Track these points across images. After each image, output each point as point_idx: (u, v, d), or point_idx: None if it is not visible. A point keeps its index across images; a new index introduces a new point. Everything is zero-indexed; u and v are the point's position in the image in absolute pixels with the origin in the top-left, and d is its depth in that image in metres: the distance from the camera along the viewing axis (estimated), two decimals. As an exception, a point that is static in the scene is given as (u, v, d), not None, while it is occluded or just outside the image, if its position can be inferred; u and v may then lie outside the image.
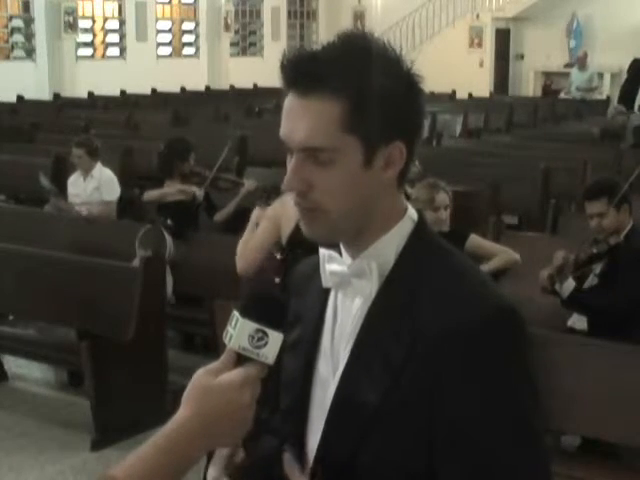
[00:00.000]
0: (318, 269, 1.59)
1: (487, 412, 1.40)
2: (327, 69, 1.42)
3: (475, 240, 5.41)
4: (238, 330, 1.40)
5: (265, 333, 1.40)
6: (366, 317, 1.51)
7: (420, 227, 1.54)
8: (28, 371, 6.43)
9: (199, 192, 6.91)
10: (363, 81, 1.42)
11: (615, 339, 4.32)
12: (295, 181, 1.46)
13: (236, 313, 1.41)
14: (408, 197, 5.39)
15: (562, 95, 18.11)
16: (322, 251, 1.56)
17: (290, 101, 1.46)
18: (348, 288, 1.54)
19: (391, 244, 1.51)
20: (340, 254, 1.55)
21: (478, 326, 1.41)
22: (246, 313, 1.41)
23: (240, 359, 1.41)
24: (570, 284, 4.89)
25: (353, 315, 1.53)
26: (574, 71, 17.73)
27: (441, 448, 1.41)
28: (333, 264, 1.54)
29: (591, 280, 5.02)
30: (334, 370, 1.54)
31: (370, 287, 1.50)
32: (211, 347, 6.15)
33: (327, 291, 1.59)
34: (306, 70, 1.43)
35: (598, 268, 5.01)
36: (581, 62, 17.44)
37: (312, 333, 1.58)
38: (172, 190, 6.92)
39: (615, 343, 4.18)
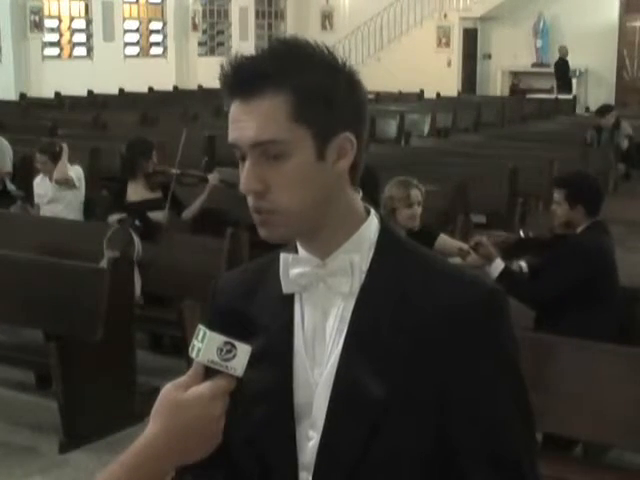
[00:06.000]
0: (263, 276, 1.59)
1: (499, 387, 1.47)
2: (265, 68, 1.43)
3: (444, 240, 5.45)
4: (206, 344, 1.39)
5: (233, 345, 1.39)
6: (354, 313, 1.49)
7: (386, 224, 1.56)
8: (-5, 374, 6.37)
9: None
10: (304, 74, 1.43)
11: (542, 329, 4.39)
12: (252, 182, 1.45)
13: (202, 327, 1.40)
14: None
15: None
16: (284, 255, 1.53)
17: (235, 108, 1.46)
18: (318, 289, 1.52)
19: (365, 239, 1.52)
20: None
21: (480, 307, 1.47)
22: (213, 326, 1.40)
23: (208, 372, 1.40)
24: (499, 265, 4.80)
25: (333, 315, 1.51)
26: None
27: (457, 425, 1.46)
28: (297, 267, 1.52)
29: (524, 265, 5.01)
30: (315, 375, 1.51)
31: (350, 283, 1.49)
32: (180, 348, 6.14)
33: (290, 297, 1.55)
34: (245, 73, 1.43)
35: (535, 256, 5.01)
36: None
37: (284, 343, 1.54)
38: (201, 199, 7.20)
39: (580, 340, 4.20)
